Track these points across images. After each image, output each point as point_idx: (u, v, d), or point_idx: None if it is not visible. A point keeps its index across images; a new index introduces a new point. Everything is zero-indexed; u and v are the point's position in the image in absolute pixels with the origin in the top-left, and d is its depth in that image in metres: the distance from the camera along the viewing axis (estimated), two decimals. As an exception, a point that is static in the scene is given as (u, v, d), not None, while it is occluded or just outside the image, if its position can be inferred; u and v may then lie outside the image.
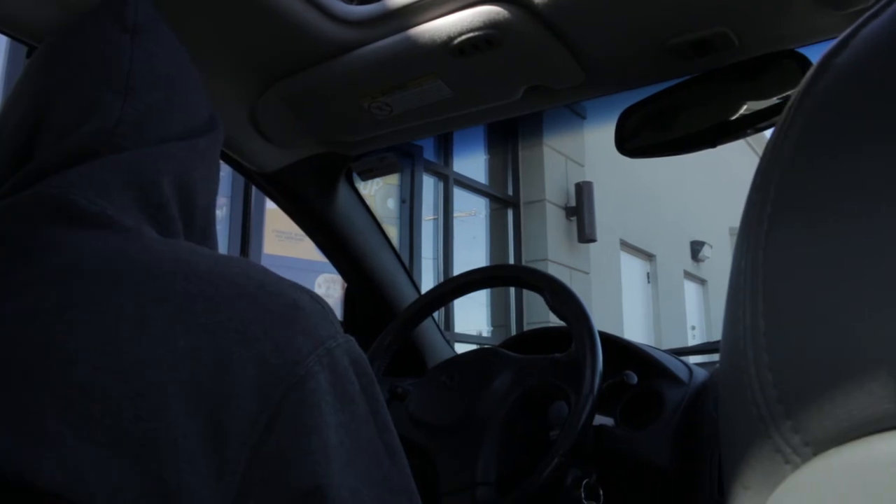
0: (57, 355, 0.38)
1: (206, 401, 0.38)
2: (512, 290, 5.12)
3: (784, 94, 0.81)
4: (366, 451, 0.43)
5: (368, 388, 0.45)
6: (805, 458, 0.22)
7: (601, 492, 0.90)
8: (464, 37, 0.84)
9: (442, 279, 4.71)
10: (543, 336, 1.19)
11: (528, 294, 5.10)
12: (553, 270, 5.12)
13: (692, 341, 8.40)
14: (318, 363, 0.42)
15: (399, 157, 1.27)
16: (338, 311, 1.25)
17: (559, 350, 0.93)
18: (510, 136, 5.72)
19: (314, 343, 0.43)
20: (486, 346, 1.13)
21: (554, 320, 1.00)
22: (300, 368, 0.41)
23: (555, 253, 5.66)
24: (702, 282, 9.41)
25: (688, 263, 8.89)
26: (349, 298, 1.35)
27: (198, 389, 0.38)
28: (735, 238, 0.27)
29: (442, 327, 1.47)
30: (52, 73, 0.54)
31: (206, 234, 0.57)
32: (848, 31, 0.24)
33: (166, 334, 0.40)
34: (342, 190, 1.24)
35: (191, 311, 0.41)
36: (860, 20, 0.24)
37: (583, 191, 5.91)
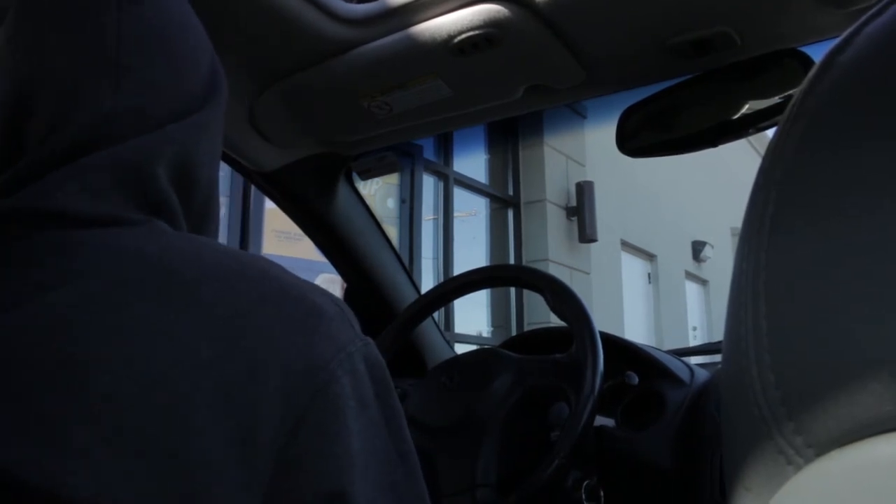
0: (77, 364, 0.37)
1: (232, 411, 0.38)
2: (512, 290, 5.12)
3: (785, 94, 0.81)
4: (380, 458, 0.43)
5: (383, 394, 0.44)
6: (807, 460, 0.22)
7: (602, 493, 0.90)
8: (464, 35, 0.83)
9: (442, 279, 4.71)
10: (544, 336, 1.19)
11: (528, 294, 5.10)
12: (553, 270, 5.11)
13: (693, 342, 8.39)
14: (340, 367, 0.42)
15: (399, 157, 1.27)
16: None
17: (560, 350, 0.92)
18: (510, 136, 5.72)
19: (336, 348, 0.43)
20: (486, 347, 1.12)
21: (554, 321, 1.00)
22: (324, 374, 0.41)
23: (555, 253, 5.65)
24: (703, 282, 9.40)
25: (689, 264, 8.88)
26: (349, 298, 1.34)
27: (224, 399, 0.38)
28: (737, 238, 0.26)
29: (442, 328, 1.47)
30: (32, 52, 0.48)
31: (204, 217, 0.53)
32: (851, 29, 0.24)
33: (191, 343, 0.39)
34: (342, 190, 1.24)
35: (215, 318, 0.40)
36: (863, 18, 0.24)
37: (583, 190, 5.90)
